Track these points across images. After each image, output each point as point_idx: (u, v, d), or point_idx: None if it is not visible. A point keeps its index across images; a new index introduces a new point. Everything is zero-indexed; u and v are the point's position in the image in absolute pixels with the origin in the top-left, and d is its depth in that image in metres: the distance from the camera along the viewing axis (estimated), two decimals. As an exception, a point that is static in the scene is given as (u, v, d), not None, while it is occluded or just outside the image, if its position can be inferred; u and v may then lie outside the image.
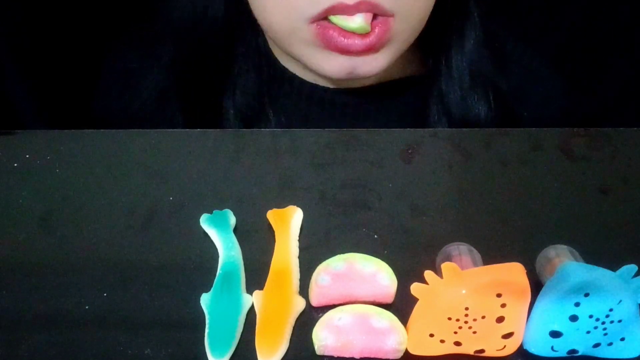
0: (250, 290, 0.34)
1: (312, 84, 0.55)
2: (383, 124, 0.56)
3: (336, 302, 0.34)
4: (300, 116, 0.56)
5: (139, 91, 0.58)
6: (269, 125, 0.56)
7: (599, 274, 0.30)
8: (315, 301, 0.34)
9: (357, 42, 0.46)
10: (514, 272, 0.30)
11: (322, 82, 0.55)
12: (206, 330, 0.33)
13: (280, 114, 0.56)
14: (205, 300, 0.34)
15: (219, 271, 0.35)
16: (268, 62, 0.56)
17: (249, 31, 0.55)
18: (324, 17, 0.45)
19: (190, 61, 0.56)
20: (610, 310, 0.30)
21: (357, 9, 0.44)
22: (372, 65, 0.48)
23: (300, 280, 0.35)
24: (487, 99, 0.55)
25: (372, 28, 0.45)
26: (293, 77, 0.55)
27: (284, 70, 0.56)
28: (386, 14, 0.46)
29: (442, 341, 0.31)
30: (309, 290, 0.34)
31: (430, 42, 0.54)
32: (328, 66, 0.48)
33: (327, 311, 0.33)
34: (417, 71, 0.57)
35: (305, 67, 0.52)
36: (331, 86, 0.55)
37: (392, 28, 0.46)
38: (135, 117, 0.58)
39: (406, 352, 0.32)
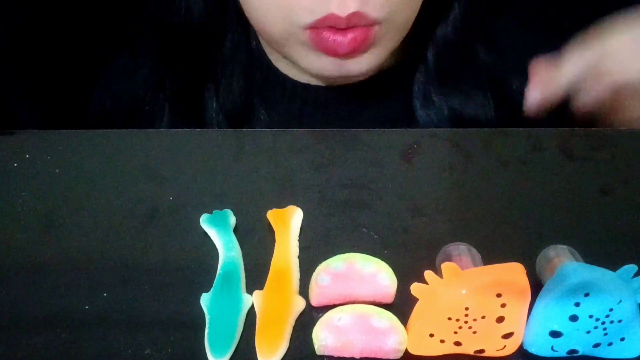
0: (250, 290, 0.34)
1: (304, 84, 0.56)
2: (378, 118, 0.56)
3: (336, 302, 0.34)
4: (294, 116, 0.57)
5: (133, 81, 0.59)
6: (261, 125, 0.57)
7: (599, 274, 0.30)
8: (315, 301, 0.34)
9: (344, 44, 0.47)
10: (514, 272, 0.30)
11: (314, 82, 0.55)
12: (206, 330, 0.32)
13: (273, 114, 0.57)
14: (205, 300, 0.34)
15: (219, 271, 0.35)
16: (261, 64, 0.57)
17: (237, 32, 0.56)
18: (317, 26, 0.46)
19: (172, 57, 0.57)
20: (610, 310, 0.30)
21: (349, 20, 0.46)
22: (361, 64, 0.50)
23: (300, 280, 0.35)
24: (479, 91, 0.55)
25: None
26: (285, 78, 0.56)
27: (277, 71, 0.56)
28: (373, 23, 0.47)
29: (442, 341, 0.31)
30: (309, 290, 0.34)
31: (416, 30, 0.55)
32: (319, 65, 0.50)
33: (327, 311, 0.33)
34: (405, 59, 0.57)
35: (297, 67, 0.53)
36: (323, 84, 0.55)
37: (376, 32, 0.47)
38: (128, 110, 0.58)
39: (406, 352, 0.32)
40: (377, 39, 0.48)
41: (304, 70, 0.53)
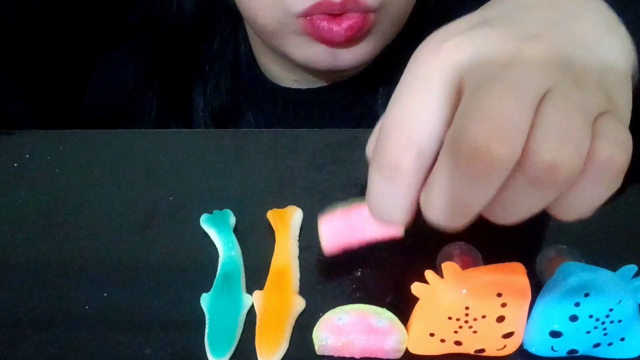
0: (250, 290, 0.34)
1: (284, 87, 0.56)
2: (363, 117, 0.56)
3: (347, 245, 0.33)
4: (278, 116, 0.57)
5: (121, 79, 0.59)
6: (247, 125, 0.57)
7: (599, 274, 0.30)
8: (325, 244, 0.33)
9: (340, 33, 0.46)
10: (514, 272, 0.30)
11: (296, 86, 0.55)
12: (206, 330, 0.33)
13: (257, 114, 0.57)
14: (205, 300, 0.34)
15: (219, 271, 0.35)
16: (248, 64, 0.57)
17: (226, 31, 0.56)
18: (310, 14, 0.46)
19: (160, 54, 0.57)
20: (610, 310, 0.30)
21: (343, 6, 0.45)
22: (354, 54, 0.49)
23: (300, 280, 0.35)
24: None
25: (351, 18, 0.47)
26: (266, 81, 0.56)
27: (259, 74, 0.56)
28: (368, 10, 0.46)
29: (442, 340, 0.31)
30: (319, 236, 0.33)
31: None
32: (312, 54, 0.49)
33: (327, 309, 0.33)
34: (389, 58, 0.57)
35: (287, 62, 0.52)
36: (304, 87, 0.55)
37: (372, 20, 0.47)
38: (117, 106, 0.59)
39: (406, 352, 0.32)
40: (372, 27, 0.48)
41: (294, 66, 0.53)
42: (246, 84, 0.58)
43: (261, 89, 0.57)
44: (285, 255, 0.36)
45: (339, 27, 0.46)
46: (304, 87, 0.56)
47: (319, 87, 0.56)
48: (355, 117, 0.57)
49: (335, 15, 0.46)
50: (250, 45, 0.57)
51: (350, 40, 0.47)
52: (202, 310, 0.34)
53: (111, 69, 0.62)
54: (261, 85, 0.57)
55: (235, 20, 0.55)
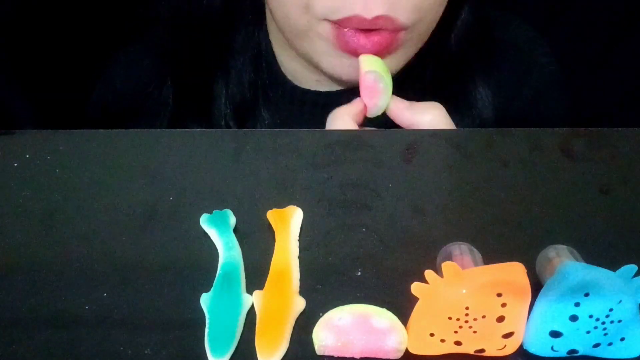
0: (250, 290, 0.34)
1: (303, 88, 0.56)
2: (378, 120, 0.56)
3: None
4: (294, 116, 0.57)
5: (138, 73, 0.59)
6: (263, 124, 0.57)
7: (599, 274, 0.30)
8: None
9: (367, 47, 0.46)
10: (514, 272, 0.30)
11: (315, 88, 0.55)
12: (206, 330, 0.32)
13: (274, 113, 0.57)
14: (205, 300, 0.34)
15: (219, 271, 0.35)
16: (268, 62, 0.56)
17: (250, 26, 0.56)
18: (340, 25, 0.46)
19: (183, 48, 0.57)
20: (611, 310, 0.30)
21: (374, 23, 0.45)
22: None
23: (300, 280, 0.35)
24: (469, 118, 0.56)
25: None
26: (286, 81, 0.56)
27: (279, 72, 0.56)
28: (401, 28, 0.46)
29: (442, 341, 0.31)
30: None
31: None
32: (337, 64, 0.49)
33: (327, 309, 0.33)
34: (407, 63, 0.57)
35: (308, 67, 0.52)
36: (324, 89, 0.55)
37: (401, 38, 0.47)
38: (134, 100, 0.58)
39: (406, 352, 0.32)
40: (400, 44, 0.47)
41: (316, 71, 0.53)
42: (265, 81, 0.57)
43: (280, 88, 0.57)
44: (285, 255, 0.36)
45: (366, 41, 0.46)
46: (324, 88, 0.56)
47: (337, 91, 0.55)
48: (371, 121, 0.57)
49: (365, 30, 0.46)
50: (271, 43, 0.57)
51: (377, 55, 0.47)
52: (202, 310, 0.34)
53: (122, 66, 0.61)
54: (280, 84, 0.57)
55: (259, 16, 0.55)
